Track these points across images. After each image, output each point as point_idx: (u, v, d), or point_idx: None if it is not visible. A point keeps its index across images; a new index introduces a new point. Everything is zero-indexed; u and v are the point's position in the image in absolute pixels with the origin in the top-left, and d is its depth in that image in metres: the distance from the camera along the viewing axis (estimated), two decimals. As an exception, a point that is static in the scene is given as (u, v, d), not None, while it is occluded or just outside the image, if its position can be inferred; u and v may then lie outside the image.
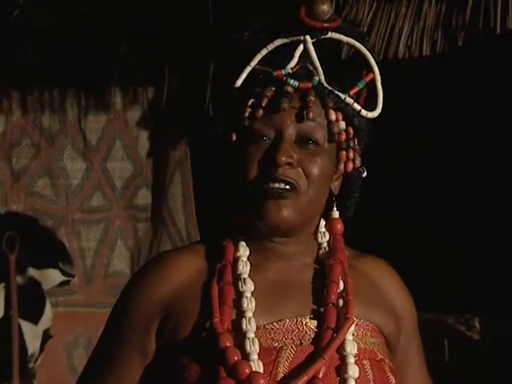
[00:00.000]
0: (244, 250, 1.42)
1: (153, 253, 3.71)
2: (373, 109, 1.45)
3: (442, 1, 2.69)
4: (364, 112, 1.44)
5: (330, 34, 1.43)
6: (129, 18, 3.30)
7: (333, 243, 1.45)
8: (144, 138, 3.80)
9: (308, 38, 1.42)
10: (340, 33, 1.44)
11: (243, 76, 1.42)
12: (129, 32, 3.38)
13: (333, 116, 1.41)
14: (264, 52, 1.42)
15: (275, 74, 1.41)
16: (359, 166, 1.45)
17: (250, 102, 1.40)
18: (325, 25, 1.42)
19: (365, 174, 1.47)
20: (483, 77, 3.50)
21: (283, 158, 1.36)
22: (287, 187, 1.38)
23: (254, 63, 1.42)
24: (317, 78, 1.42)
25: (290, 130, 1.39)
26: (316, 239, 1.46)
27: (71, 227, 3.68)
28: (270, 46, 1.43)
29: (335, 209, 1.45)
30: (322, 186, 1.41)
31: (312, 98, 1.39)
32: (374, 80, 1.46)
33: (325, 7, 1.41)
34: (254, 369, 1.31)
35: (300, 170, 1.39)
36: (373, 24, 2.75)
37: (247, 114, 1.40)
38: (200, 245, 1.47)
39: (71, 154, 3.73)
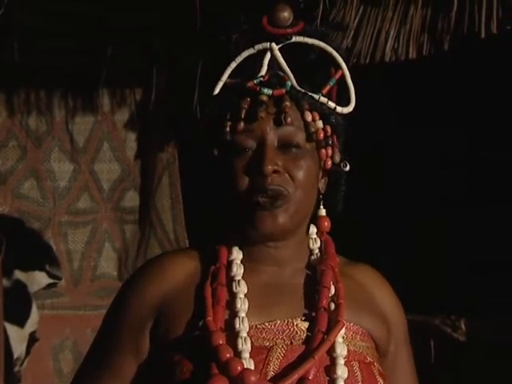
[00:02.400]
0: (237, 254, 1.45)
1: (140, 255, 3.71)
2: (346, 104, 1.48)
3: (428, 4, 2.70)
4: (339, 108, 1.47)
5: (294, 39, 1.47)
6: (116, 19, 3.29)
7: (324, 249, 1.48)
8: (132, 139, 3.78)
9: (274, 45, 1.46)
10: (304, 35, 1.48)
11: (219, 86, 1.45)
12: (116, 33, 3.37)
13: (309, 117, 1.44)
14: (233, 65, 1.46)
15: (248, 84, 1.43)
16: (339, 161, 1.48)
17: (229, 115, 1.42)
18: (288, 31, 1.46)
19: (347, 168, 1.49)
20: (468, 80, 3.51)
21: (269, 167, 1.39)
22: (278, 197, 1.39)
23: (224, 77, 1.45)
24: (289, 83, 1.44)
25: (271, 137, 1.41)
26: (308, 245, 1.48)
27: (58, 229, 3.67)
28: (238, 59, 1.46)
29: (322, 207, 1.48)
30: (310, 188, 1.44)
31: (287, 103, 1.42)
32: (343, 76, 1.48)
33: (285, 14, 1.46)
34: (245, 366, 1.33)
35: (287, 175, 1.41)
36: (360, 27, 2.76)
37: (228, 129, 1.42)
38: (195, 248, 1.49)
39: (58, 156, 3.71)
